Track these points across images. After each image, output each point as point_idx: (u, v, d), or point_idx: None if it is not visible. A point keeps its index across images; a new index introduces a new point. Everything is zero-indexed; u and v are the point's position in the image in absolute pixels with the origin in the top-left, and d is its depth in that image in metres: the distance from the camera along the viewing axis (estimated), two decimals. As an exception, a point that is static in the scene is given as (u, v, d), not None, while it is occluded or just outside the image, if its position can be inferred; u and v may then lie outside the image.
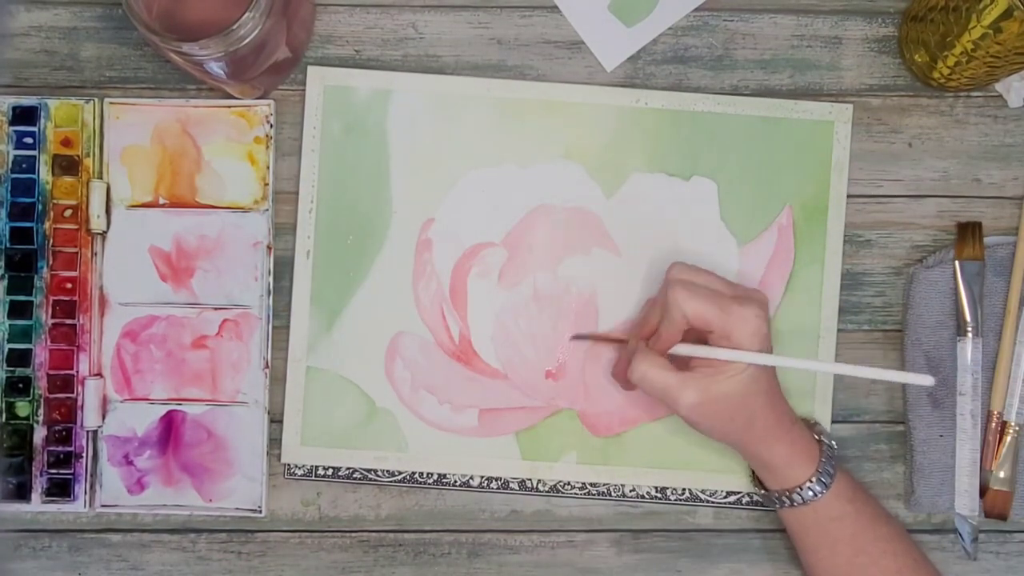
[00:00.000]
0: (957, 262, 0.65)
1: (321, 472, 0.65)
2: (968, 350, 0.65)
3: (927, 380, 0.55)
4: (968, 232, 0.65)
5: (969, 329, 0.65)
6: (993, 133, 0.67)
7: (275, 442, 0.65)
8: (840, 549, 0.60)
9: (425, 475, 0.65)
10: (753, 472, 0.64)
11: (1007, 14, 0.56)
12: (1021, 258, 0.65)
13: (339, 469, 0.65)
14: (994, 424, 0.65)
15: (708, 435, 0.60)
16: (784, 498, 0.60)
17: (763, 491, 0.62)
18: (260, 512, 0.65)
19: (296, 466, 0.65)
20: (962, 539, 0.65)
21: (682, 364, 0.59)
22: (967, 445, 0.64)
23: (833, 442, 0.62)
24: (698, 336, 0.59)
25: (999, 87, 0.66)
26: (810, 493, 0.60)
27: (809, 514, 0.60)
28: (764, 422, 0.59)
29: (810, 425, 0.64)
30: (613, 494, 0.65)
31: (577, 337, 0.65)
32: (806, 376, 0.65)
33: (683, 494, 0.66)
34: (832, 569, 0.61)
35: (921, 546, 0.63)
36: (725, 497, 0.65)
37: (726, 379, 0.58)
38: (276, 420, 0.65)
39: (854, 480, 0.62)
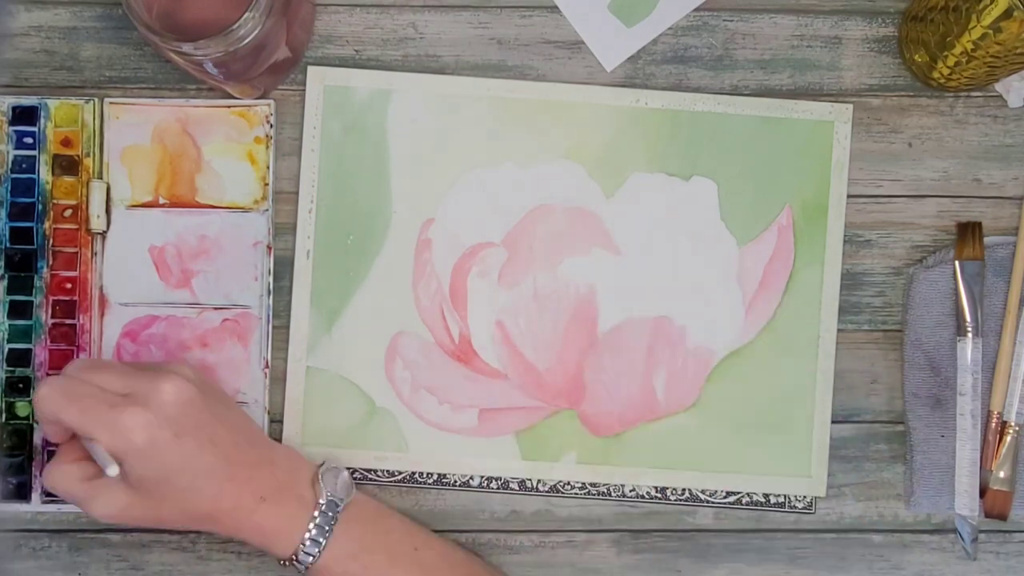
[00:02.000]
0: (957, 262, 0.65)
1: (321, 472, 0.65)
2: (968, 350, 0.65)
3: None
4: (968, 232, 0.65)
5: (969, 329, 0.65)
6: (993, 133, 0.67)
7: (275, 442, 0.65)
8: None
9: (425, 475, 0.65)
10: None
11: (1007, 14, 0.56)
12: (1021, 258, 0.65)
13: (339, 469, 0.65)
14: (994, 424, 0.65)
15: (170, 526, 0.58)
16: (283, 563, 0.58)
17: (278, 560, 0.59)
18: (260, 512, 0.65)
19: (296, 466, 0.65)
20: (962, 539, 0.65)
21: None
22: (967, 445, 0.64)
23: (330, 492, 0.58)
24: None
25: (999, 87, 0.66)
26: (307, 557, 0.57)
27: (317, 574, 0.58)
28: (210, 507, 0.56)
29: (315, 474, 0.60)
30: (613, 494, 0.65)
31: None
32: (806, 377, 0.65)
33: (683, 494, 0.66)
34: None
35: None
36: (725, 497, 0.65)
37: (132, 484, 0.55)
38: (276, 420, 0.65)
39: (375, 533, 0.60)
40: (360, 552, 0.58)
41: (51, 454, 0.64)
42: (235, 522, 0.57)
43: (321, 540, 0.57)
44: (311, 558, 0.57)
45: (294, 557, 0.57)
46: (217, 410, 0.58)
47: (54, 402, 0.55)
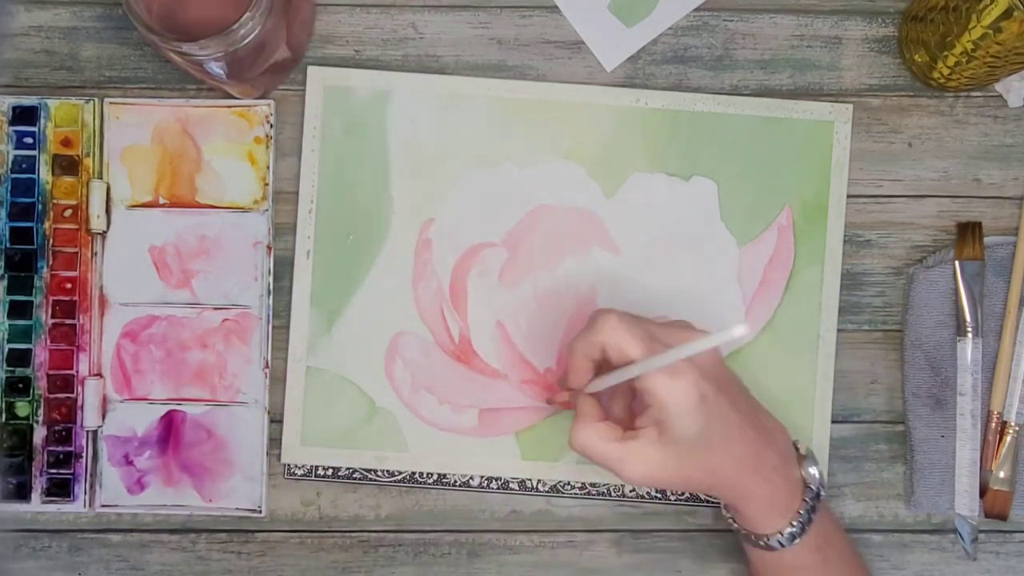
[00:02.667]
0: (957, 262, 0.65)
1: (321, 472, 0.65)
2: (968, 350, 0.65)
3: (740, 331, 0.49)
4: (968, 232, 0.65)
5: (969, 329, 0.65)
6: (993, 133, 0.67)
7: (275, 442, 0.65)
8: None
9: (425, 475, 0.65)
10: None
11: (1007, 14, 0.56)
12: (1021, 258, 0.65)
13: (339, 469, 0.65)
14: (994, 424, 0.65)
15: (685, 486, 0.57)
16: (750, 537, 0.58)
17: (732, 523, 0.60)
18: (260, 512, 0.65)
19: (296, 466, 0.65)
20: (962, 539, 0.65)
21: (631, 424, 0.57)
22: (967, 445, 0.64)
23: (818, 479, 0.58)
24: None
25: (999, 87, 0.66)
26: (777, 544, 0.57)
27: (772, 557, 0.58)
28: (735, 471, 0.55)
29: (799, 456, 0.59)
30: (613, 494, 0.65)
31: (550, 402, 0.64)
32: (806, 377, 0.65)
33: (683, 494, 0.65)
34: None
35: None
36: (725, 497, 0.65)
37: (672, 438, 0.54)
38: (276, 420, 0.65)
39: (831, 522, 0.59)
40: (823, 545, 0.58)
41: (51, 454, 0.64)
42: (742, 490, 0.56)
43: (803, 526, 0.56)
44: (791, 541, 0.56)
45: (767, 538, 0.57)
46: (731, 375, 0.58)
47: (619, 333, 0.54)
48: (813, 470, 0.58)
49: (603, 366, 0.57)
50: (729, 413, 0.55)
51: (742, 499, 0.57)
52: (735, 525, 0.59)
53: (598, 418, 0.56)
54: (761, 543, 0.57)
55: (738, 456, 0.55)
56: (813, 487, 0.57)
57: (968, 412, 0.64)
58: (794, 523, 0.56)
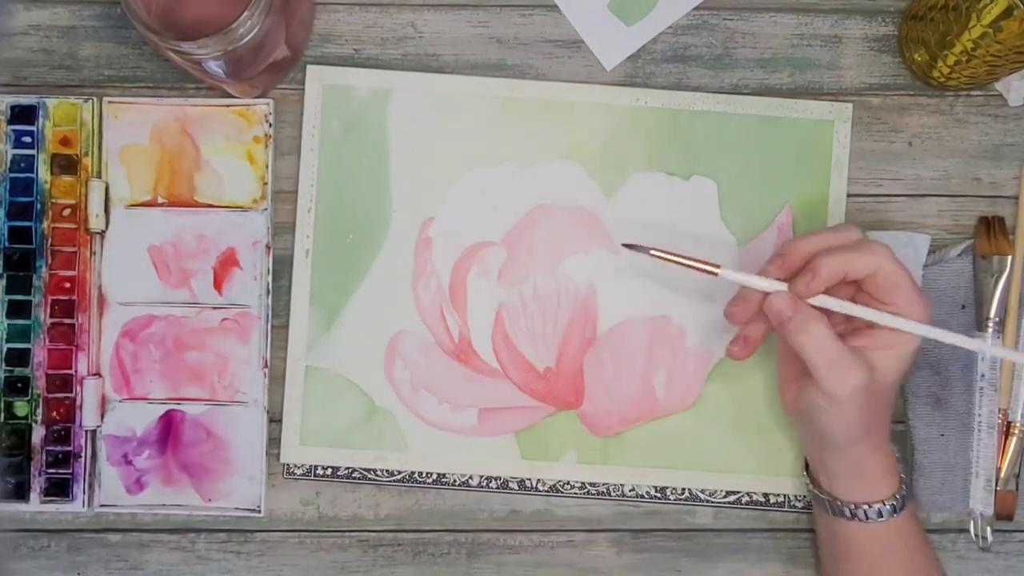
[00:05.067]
0: (978, 257, 0.65)
1: (320, 472, 0.65)
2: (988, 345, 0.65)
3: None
4: (991, 227, 0.65)
5: (990, 324, 0.64)
6: (993, 132, 0.67)
7: (274, 442, 0.65)
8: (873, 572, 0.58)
9: (424, 475, 0.65)
10: (807, 469, 0.62)
11: (1007, 13, 0.56)
12: (1021, 257, 0.65)
13: (338, 469, 0.65)
14: (999, 423, 0.65)
15: (835, 428, 0.56)
16: (847, 508, 0.58)
17: (821, 494, 0.60)
18: (259, 512, 0.65)
19: (295, 466, 0.65)
20: (976, 536, 0.65)
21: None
22: (984, 442, 0.64)
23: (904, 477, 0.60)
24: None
25: (999, 86, 0.66)
26: (877, 515, 0.57)
27: (861, 531, 0.58)
28: (885, 424, 0.57)
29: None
30: (613, 494, 0.65)
31: (629, 246, 0.60)
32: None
33: (683, 494, 0.65)
34: None
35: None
36: (725, 497, 0.65)
37: (890, 365, 0.54)
38: (275, 420, 0.65)
39: (917, 520, 0.60)
40: (911, 533, 0.59)
41: (50, 454, 0.64)
42: (861, 456, 0.57)
43: (903, 500, 0.58)
44: (880, 515, 0.57)
45: (866, 505, 0.57)
46: None
47: (901, 269, 0.54)
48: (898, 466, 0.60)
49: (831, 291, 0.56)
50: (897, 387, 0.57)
51: (869, 460, 0.57)
52: (825, 495, 0.59)
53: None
54: (860, 514, 0.57)
55: (884, 414, 0.57)
56: (903, 475, 0.59)
57: (987, 408, 0.64)
58: (896, 496, 0.57)
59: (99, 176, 0.65)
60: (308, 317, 0.65)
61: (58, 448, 0.64)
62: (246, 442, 0.65)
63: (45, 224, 0.65)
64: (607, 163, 0.65)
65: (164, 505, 0.65)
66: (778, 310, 0.55)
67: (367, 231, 0.65)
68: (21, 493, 0.64)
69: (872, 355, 0.55)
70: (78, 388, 0.64)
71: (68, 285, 0.64)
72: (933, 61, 0.63)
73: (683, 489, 0.65)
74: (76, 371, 0.64)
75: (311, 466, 0.65)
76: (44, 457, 0.64)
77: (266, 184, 0.65)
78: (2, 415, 0.64)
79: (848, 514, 0.58)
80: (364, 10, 0.66)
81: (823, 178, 0.66)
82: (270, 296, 0.65)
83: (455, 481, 0.65)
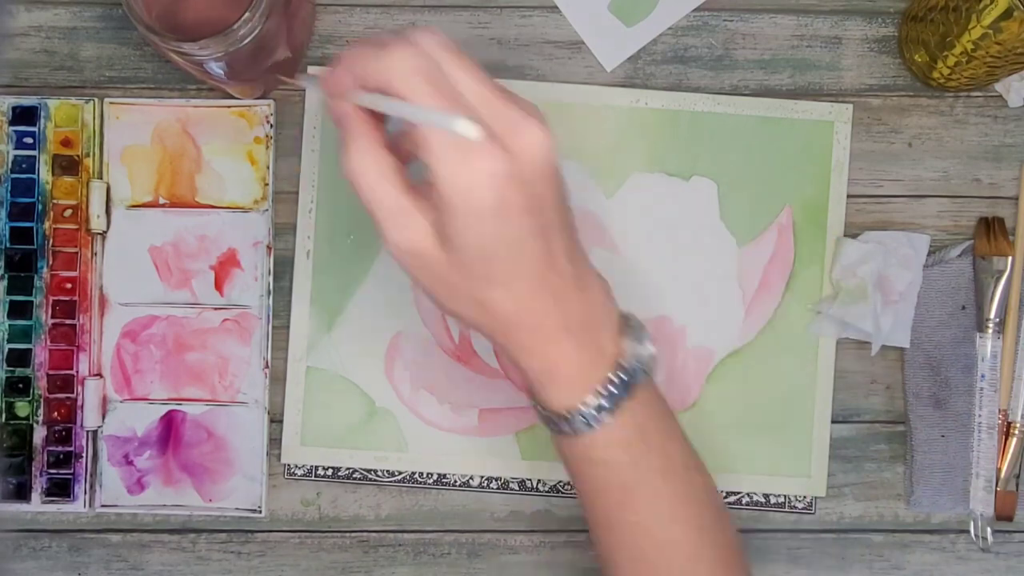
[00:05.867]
0: (979, 258, 0.65)
1: (321, 472, 0.65)
2: (988, 345, 0.64)
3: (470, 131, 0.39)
4: (992, 228, 0.65)
5: (990, 325, 0.64)
6: (993, 133, 0.67)
7: (275, 442, 0.65)
8: (602, 501, 0.47)
9: (425, 475, 0.65)
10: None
11: (1007, 14, 0.56)
12: (1021, 257, 0.65)
13: (339, 469, 0.65)
14: (999, 423, 0.65)
15: (449, 309, 0.44)
16: (551, 419, 0.47)
17: (538, 409, 0.48)
18: (260, 512, 0.65)
19: (296, 466, 0.65)
20: (977, 536, 0.65)
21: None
22: (984, 443, 0.64)
23: (637, 358, 0.46)
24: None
25: (999, 87, 0.66)
26: (581, 425, 0.45)
27: (576, 447, 0.46)
28: (514, 311, 0.43)
29: (620, 325, 0.48)
30: (613, 494, 0.65)
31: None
32: (806, 376, 0.65)
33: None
34: (597, 525, 0.48)
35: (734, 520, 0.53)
36: (725, 497, 0.65)
37: (445, 237, 0.41)
38: (276, 420, 0.65)
39: (654, 420, 0.47)
40: (636, 441, 0.46)
41: (51, 454, 0.64)
42: (527, 344, 0.45)
43: (608, 407, 0.45)
44: (588, 427, 0.45)
45: (566, 415, 0.45)
46: (560, 194, 0.43)
47: (414, 71, 0.40)
48: (634, 346, 0.47)
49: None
50: (531, 240, 0.42)
51: (524, 353, 0.45)
52: (534, 405, 0.48)
53: (382, 145, 0.42)
54: (563, 426, 0.46)
55: (527, 296, 0.43)
56: (627, 364, 0.46)
57: (987, 408, 0.64)
58: (603, 393, 0.45)
59: (100, 177, 0.65)
60: (309, 318, 0.65)
61: (59, 448, 0.64)
62: (247, 443, 0.65)
63: (46, 225, 0.65)
64: (607, 163, 0.65)
65: (165, 505, 0.65)
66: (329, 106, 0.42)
67: (368, 232, 0.65)
68: (22, 493, 0.64)
69: (435, 207, 0.41)
70: (79, 388, 0.64)
71: (69, 286, 0.65)
72: (933, 62, 0.63)
73: (683, 489, 0.66)
74: (77, 371, 0.64)
75: (312, 466, 0.65)
76: (45, 457, 0.64)
77: (267, 185, 0.65)
78: (3, 415, 0.64)
79: (553, 426, 0.47)
80: (365, 11, 0.66)
81: (823, 179, 0.66)
82: (271, 297, 0.65)
83: (455, 481, 0.65)
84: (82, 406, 0.64)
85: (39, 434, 0.64)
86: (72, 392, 0.64)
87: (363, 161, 0.42)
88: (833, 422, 0.66)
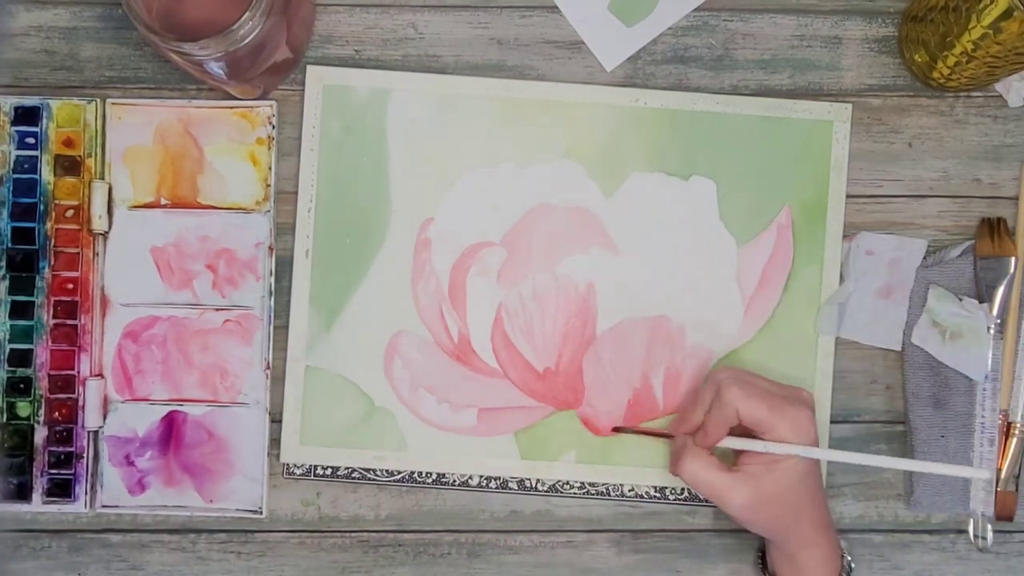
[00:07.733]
0: (980, 258, 0.65)
1: (320, 472, 0.65)
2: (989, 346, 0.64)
3: (983, 474, 0.58)
4: (995, 228, 0.65)
5: (991, 327, 0.64)
6: (993, 133, 0.67)
7: (275, 442, 0.65)
8: None
9: (424, 475, 0.65)
10: (761, 557, 0.65)
11: (1007, 14, 0.56)
12: (1021, 256, 0.65)
13: (338, 469, 0.65)
14: (999, 424, 0.65)
15: (757, 531, 0.61)
16: None
17: None
18: (260, 513, 0.65)
19: (295, 466, 0.65)
20: (976, 536, 0.65)
21: (726, 461, 0.61)
22: (984, 443, 0.64)
23: (851, 560, 0.63)
24: (743, 432, 0.60)
25: (999, 87, 0.66)
26: None
27: None
28: (809, 522, 0.60)
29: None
30: (612, 494, 0.65)
31: (618, 430, 0.65)
32: (806, 377, 0.65)
33: (682, 494, 0.65)
34: None
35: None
36: (725, 497, 0.65)
37: (776, 477, 0.59)
38: (276, 420, 0.65)
39: None
40: None
41: (52, 454, 0.64)
42: (792, 551, 0.61)
43: None
44: None
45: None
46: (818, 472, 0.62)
47: (749, 402, 0.59)
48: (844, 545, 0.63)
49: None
50: (820, 472, 0.62)
51: (805, 553, 0.61)
52: None
53: (707, 452, 0.61)
54: None
55: (818, 512, 0.61)
56: (846, 557, 0.63)
57: (988, 408, 0.64)
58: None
59: (102, 177, 0.65)
60: (308, 317, 0.65)
61: (60, 449, 0.64)
62: (247, 443, 0.65)
63: (48, 225, 0.65)
64: (607, 163, 0.66)
65: (166, 506, 0.65)
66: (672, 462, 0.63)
67: (367, 231, 0.65)
68: (23, 493, 0.64)
69: (757, 471, 0.59)
70: (80, 389, 0.65)
71: (71, 286, 0.65)
72: (933, 62, 0.63)
73: (682, 489, 0.66)
74: (78, 372, 0.65)
75: (311, 466, 0.65)
76: (46, 458, 0.64)
77: (269, 186, 0.65)
78: (5, 416, 0.64)
79: None
80: (365, 11, 0.66)
81: (822, 179, 0.66)
82: (272, 298, 0.65)
83: (455, 481, 0.65)
84: (83, 406, 0.64)
85: (40, 434, 0.64)
86: (73, 392, 0.65)
87: (698, 465, 0.60)
88: (833, 422, 0.66)
